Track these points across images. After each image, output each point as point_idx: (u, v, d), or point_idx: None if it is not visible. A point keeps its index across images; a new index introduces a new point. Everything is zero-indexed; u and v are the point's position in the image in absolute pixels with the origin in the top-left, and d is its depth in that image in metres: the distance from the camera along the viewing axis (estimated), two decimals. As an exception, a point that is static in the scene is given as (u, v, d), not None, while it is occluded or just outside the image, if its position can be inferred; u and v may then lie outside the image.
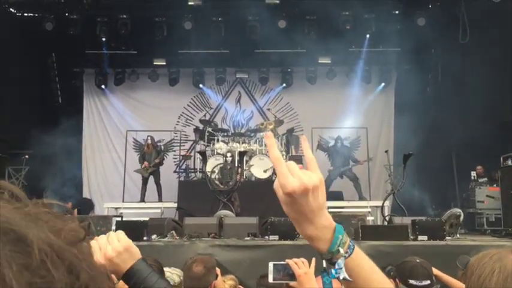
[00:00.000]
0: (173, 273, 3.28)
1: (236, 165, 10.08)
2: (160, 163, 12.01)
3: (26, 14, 11.90)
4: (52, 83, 13.87)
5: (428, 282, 2.79)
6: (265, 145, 9.76)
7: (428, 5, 11.67)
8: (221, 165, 10.21)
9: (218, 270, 3.25)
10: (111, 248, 1.41)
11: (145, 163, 11.65)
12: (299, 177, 0.94)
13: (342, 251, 0.99)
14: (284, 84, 14.20)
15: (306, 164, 1.01)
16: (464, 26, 10.65)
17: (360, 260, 1.03)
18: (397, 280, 2.90)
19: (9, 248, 0.47)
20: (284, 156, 11.92)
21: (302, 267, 2.14)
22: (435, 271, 3.10)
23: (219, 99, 14.53)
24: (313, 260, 2.17)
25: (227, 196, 9.08)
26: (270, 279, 2.16)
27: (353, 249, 1.01)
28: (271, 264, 2.19)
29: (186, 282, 3.14)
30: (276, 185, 0.96)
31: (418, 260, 2.97)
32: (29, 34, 11.64)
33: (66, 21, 11.71)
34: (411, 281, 2.76)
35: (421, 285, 2.75)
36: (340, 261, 1.00)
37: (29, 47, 11.87)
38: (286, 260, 2.19)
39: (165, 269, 3.30)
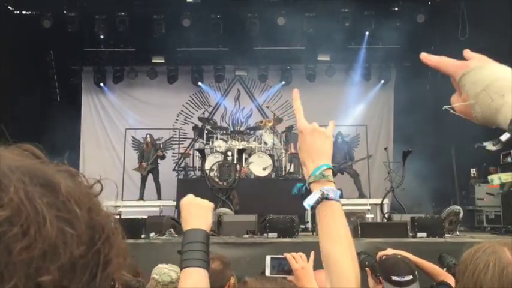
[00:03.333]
0: (170, 270, 3.26)
1: (235, 162, 10.06)
2: (164, 156, 11.99)
3: (24, 12, 11.86)
4: (50, 81, 13.83)
5: (411, 277, 2.79)
6: (265, 143, 9.76)
7: (428, 2, 11.64)
8: (220, 162, 10.19)
9: None
10: (187, 199, 1.59)
11: (143, 164, 11.62)
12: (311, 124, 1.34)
13: (326, 173, 1.27)
14: (283, 82, 14.16)
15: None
16: (464, 22, 10.61)
17: (330, 216, 1.25)
18: (380, 277, 2.90)
19: (38, 188, 0.55)
20: (283, 155, 11.92)
21: (300, 261, 2.12)
22: (414, 258, 3.10)
23: (218, 96, 14.49)
24: (312, 253, 2.15)
25: (226, 194, 9.06)
26: (267, 273, 2.14)
27: (335, 198, 1.26)
28: (268, 258, 2.17)
29: None
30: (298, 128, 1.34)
31: (399, 256, 2.97)
32: (27, 32, 11.60)
33: (65, 19, 11.68)
34: (394, 277, 2.76)
35: (403, 281, 2.76)
36: (325, 188, 1.26)
37: (27, 45, 11.83)
38: (284, 254, 2.17)
39: (163, 265, 3.28)
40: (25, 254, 0.51)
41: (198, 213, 1.55)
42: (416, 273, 2.86)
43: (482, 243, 1.44)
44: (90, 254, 0.56)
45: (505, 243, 1.40)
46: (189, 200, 1.59)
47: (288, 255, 2.14)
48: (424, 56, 1.09)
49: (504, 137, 0.92)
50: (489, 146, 0.97)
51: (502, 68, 0.96)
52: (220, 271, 3.03)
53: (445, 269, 3.38)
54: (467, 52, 1.02)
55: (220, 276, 3.01)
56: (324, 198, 1.25)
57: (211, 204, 1.60)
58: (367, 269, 2.98)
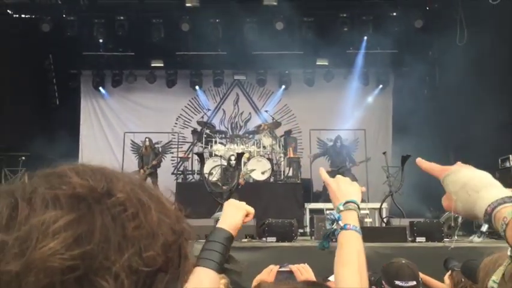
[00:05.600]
0: None
1: (239, 167, 10.06)
2: (158, 165, 11.98)
3: (23, 16, 11.86)
4: (49, 85, 13.82)
5: (414, 283, 2.77)
6: (263, 147, 9.79)
7: (426, 7, 11.68)
8: (224, 167, 10.17)
9: None
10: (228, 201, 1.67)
11: (141, 171, 11.59)
12: (332, 179, 1.54)
13: (341, 207, 1.44)
14: (284, 86, 14.16)
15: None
16: (462, 27, 10.65)
17: (345, 244, 1.36)
18: (383, 282, 2.89)
19: (138, 188, 0.67)
20: (282, 158, 11.93)
21: (304, 273, 2.12)
22: (421, 275, 3.07)
23: (209, 104, 14.43)
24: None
25: (225, 198, 9.05)
26: None
27: (352, 229, 1.39)
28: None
29: None
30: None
31: (404, 261, 2.96)
32: (26, 36, 11.61)
33: (63, 23, 11.68)
34: (397, 282, 2.74)
35: (406, 286, 2.74)
36: (333, 212, 1.43)
37: (26, 49, 11.83)
38: (289, 266, 2.16)
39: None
40: (137, 232, 0.62)
41: (230, 213, 1.60)
42: (420, 279, 2.85)
43: (504, 250, 1.44)
44: (177, 244, 0.67)
45: None
46: (230, 201, 1.66)
47: (293, 268, 2.15)
48: (419, 161, 1.29)
49: (484, 228, 1.14)
50: (475, 239, 1.19)
51: (478, 171, 1.13)
52: None
53: (449, 272, 3.39)
54: (458, 164, 1.20)
55: None
56: (341, 228, 1.39)
57: (245, 208, 1.63)
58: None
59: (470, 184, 1.07)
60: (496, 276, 1.08)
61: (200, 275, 1.42)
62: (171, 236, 0.65)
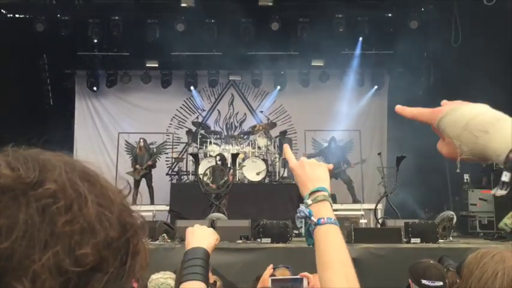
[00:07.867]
0: (167, 278, 3.19)
1: (229, 166, 10.04)
2: (153, 165, 11.93)
3: (17, 15, 11.80)
4: (43, 85, 13.74)
5: (441, 283, 2.77)
6: (258, 147, 9.73)
7: (421, 8, 11.70)
8: (213, 166, 10.16)
9: None
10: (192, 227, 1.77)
11: (137, 166, 11.54)
12: (298, 160, 1.41)
13: (309, 202, 1.29)
14: (279, 87, 14.14)
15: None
16: (457, 28, 10.67)
17: (323, 241, 1.24)
18: (410, 281, 2.88)
19: (78, 176, 0.62)
20: (277, 159, 11.91)
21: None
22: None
23: (204, 104, 14.41)
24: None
25: (219, 199, 9.03)
26: None
27: (327, 223, 1.25)
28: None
29: None
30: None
31: (431, 262, 2.96)
32: (20, 35, 11.54)
33: (58, 23, 11.62)
34: (424, 281, 2.75)
35: (433, 286, 2.74)
36: (302, 208, 1.29)
37: (19, 49, 11.76)
38: (305, 274, 2.17)
39: (157, 275, 3.22)
40: (68, 227, 0.57)
41: (201, 235, 1.71)
42: (446, 281, 2.85)
43: (489, 248, 1.41)
44: (122, 240, 0.61)
45: None
46: (195, 226, 1.77)
47: (309, 275, 2.14)
48: (400, 108, 1.08)
49: (505, 177, 0.90)
50: (498, 191, 0.95)
51: (477, 105, 0.97)
52: None
53: (444, 270, 3.40)
54: (444, 102, 1.02)
55: None
56: (315, 224, 1.25)
57: (214, 231, 1.77)
58: None
59: (474, 123, 0.92)
60: (509, 220, 1.02)
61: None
62: (115, 230, 0.60)
